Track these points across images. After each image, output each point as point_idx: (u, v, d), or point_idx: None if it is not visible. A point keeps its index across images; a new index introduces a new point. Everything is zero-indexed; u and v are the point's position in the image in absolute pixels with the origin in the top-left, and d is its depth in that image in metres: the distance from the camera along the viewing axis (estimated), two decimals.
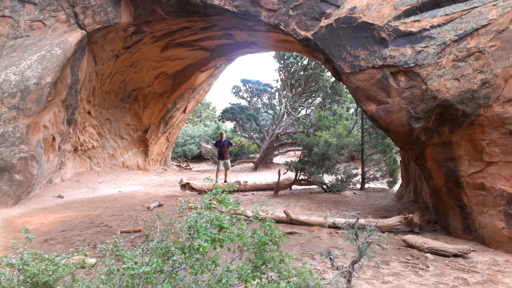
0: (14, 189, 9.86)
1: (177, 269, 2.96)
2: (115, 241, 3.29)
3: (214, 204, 3.27)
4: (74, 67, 11.61)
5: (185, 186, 12.68)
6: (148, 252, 3.16)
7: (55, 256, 3.11)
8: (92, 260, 3.83)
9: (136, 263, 2.82)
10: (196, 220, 2.93)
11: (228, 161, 14.81)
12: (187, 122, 33.41)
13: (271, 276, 3.29)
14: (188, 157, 27.75)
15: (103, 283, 2.95)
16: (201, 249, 2.76)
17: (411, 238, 6.92)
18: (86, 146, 15.15)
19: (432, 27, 6.98)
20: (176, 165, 23.60)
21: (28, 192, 10.59)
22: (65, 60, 10.88)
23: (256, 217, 3.60)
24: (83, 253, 3.26)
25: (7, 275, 2.94)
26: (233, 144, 15.42)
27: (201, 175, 19.08)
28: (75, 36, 11.33)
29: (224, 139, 14.89)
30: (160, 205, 10.42)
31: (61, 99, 11.30)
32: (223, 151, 14.64)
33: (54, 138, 11.52)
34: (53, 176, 12.54)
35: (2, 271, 2.93)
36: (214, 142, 15.78)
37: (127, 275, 2.77)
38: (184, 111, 21.04)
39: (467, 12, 6.76)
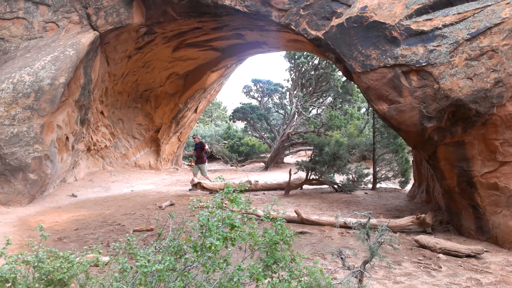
0: (28, 188, 10.01)
1: (189, 267, 2.99)
2: (128, 239, 3.34)
3: (225, 203, 3.29)
4: (87, 67, 11.75)
5: (196, 185, 12.77)
6: (160, 250, 3.19)
7: (70, 254, 3.16)
8: (105, 259, 3.88)
9: (149, 261, 2.85)
10: (208, 218, 2.96)
11: (203, 165, 13.82)
12: (198, 122, 33.56)
13: (282, 275, 3.30)
14: None
15: (117, 280, 2.98)
16: (213, 248, 2.78)
17: (424, 238, 6.87)
18: (99, 145, 15.31)
19: (445, 26, 6.93)
20: (188, 165, 23.70)
21: (42, 191, 10.74)
22: (78, 61, 11.02)
23: (268, 216, 3.62)
24: (97, 251, 3.31)
25: (23, 272, 2.99)
26: (206, 148, 14.21)
27: (212, 174, 19.14)
28: (88, 37, 11.47)
29: (197, 142, 14.05)
30: (172, 204, 10.50)
31: (74, 99, 11.45)
32: (197, 155, 13.97)
33: (67, 138, 11.67)
34: (66, 176, 12.69)
35: (18, 268, 2.99)
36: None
37: (140, 272, 2.80)
38: (195, 111, 21.13)
39: (480, 11, 6.70)
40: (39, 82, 10.32)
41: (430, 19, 7.11)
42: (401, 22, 7.34)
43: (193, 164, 24.08)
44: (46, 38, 11.71)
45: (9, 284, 2.86)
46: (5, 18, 11.72)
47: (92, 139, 14.66)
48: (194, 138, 14.26)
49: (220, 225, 2.98)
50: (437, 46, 6.91)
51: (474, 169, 6.95)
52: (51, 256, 3.13)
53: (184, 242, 3.08)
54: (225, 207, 3.26)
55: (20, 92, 10.18)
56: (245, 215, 3.37)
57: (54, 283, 2.97)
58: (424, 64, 6.98)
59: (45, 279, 2.99)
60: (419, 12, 7.25)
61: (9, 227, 7.94)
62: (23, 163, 9.90)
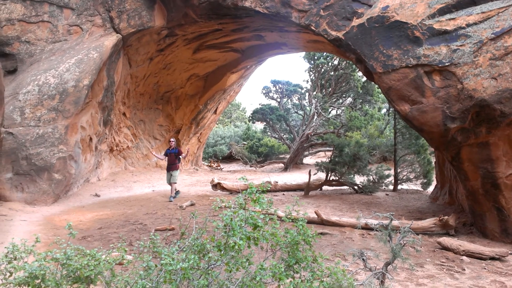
0: (53, 188, 10.24)
1: (212, 265, 3.03)
2: (152, 238, 3.40)
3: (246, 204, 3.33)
4: (110, 70, 11.97)
5: (216, 186, 12.86)
6: (184, 249, 3.24)
7: (96, 252, 3.24)
8: (129, 257, 3.96)
9: (173, 259, 2.90)
10: (231, 218, 2.99)
11: (175, 172, 11.96)
12: (217, 123, 33.77)
13: (304, 276, 3.31)
14: (219, 157, 28.06)
15: (142, 278, 3.04)
16: (236, 247, 2.82)
17: (447, 240, 6.78)
18: (121, 146, 15.56)
19: (468, 25, 6.82)
20: (207, 165, 23.88)
21: (67, 191, 10.97)
22: (102, 63, 11.22)
23: (289, 217, 3.64)
24: (123, 249, 3.38)
25: (52, 269, 3.08)
26: (183, 154, 12.50)
27: (232, 175, 19.24)
28: (111, 39, 11.68)
29: (172, 147, 12.23)
30: (192, 204, 10.59)
31: (97, 101, 11.67)
32: (170, 161, 12.07)
33: (91, 139, 11.90)
34: (90, 176, 12.94)
35: (47, 265, 3.07)
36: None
37: (165, 271, 2.85)
38: (215, 112, 21.29)
39: (505, 10, 6.58)
40: (63, 84, 10.56)
41: (453, 19, 7.01)
42: (424, 22, 7.27)
43: (212, 164, 24.32)
44: (70, 41, 11.97)
45: (39, 280, 2.95)
46: (31, 22, 12.03)
47: (114, 140, 14.92)
48: (171, 142, 12.49)
49: (243, 225, 3.01)
50: (461, 45, 6.81)
51: (498, 171, 6.82)
52: (78, 254, 3.21)
53: (207, 241, 3.12)
54: (246, 207, 3.29)
55: (45, 94, 10.43)
56: (266, 215, 3.40)
57: (81, 280, 3.05)
58: (447, 64, 6.89)
59: (73, 276, 3.07)
60: (442, 11, 7.16)
61: (35, 225, 8.14)
62: (48, 163, 10.14)
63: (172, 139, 12.62)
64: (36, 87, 10.49)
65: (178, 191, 12.22)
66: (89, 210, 9.90)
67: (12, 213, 8.95)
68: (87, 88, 10.80)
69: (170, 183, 11.90)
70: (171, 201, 11.28)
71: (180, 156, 12.23)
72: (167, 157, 12.19)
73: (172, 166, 11.99)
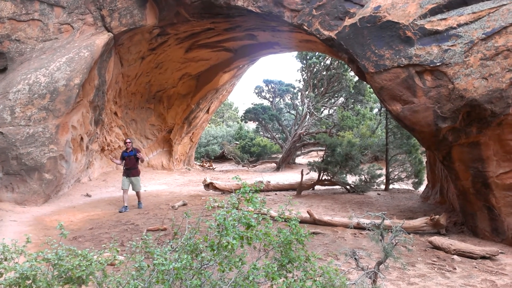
0: (43, 188, 10.15)
1: (205, 265, 3.02)
2: (144, 238, 3.38)
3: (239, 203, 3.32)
4: (101, 69, 11.88)
5: (208, 185, 12.83)
6: (176, 249, 3.23)
7: (88, 252, 3.21)
8: (120, 258, 3.93)
9: (166, 259, 2.88)
10: (225, 218, 2.98)
11: (137, 179, 10.51)
12: (210, 122, 33.70)
13: (296, 275, 3.31)
14: (211, 157, 28.01)
15: (134, 278, 3.02)
16: (229, 247, 2.81)
17: (438, 239, 6.82)
18: (113, 146, 15.46)
19: (459, 25, 6.87)
20: (199, 165, 23.83)
21: (57, 191, 10.88)
22: (93, 62, 11.14)
23: (281, 216, 3.64)
24: (115, 250, 3.35)
25: (43, 270, 3.05)
26: (141, 156, 10.77)
27: (224, 175, 19.21)
28: (102, 38, 11.59)
29: (130, 149, 10.56)
30: (184, 204, 10.56)
31: (88, 100, 11.58)
32: (128, 165, 10.46)
33: (82, 138, 11.80)
34: (81, 175, 12.84)
35: (38, 265, 3.04)
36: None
37: (157, 271, 2.84)
38: (207, 111, 21.23)
39: (495, 10, 6.63)
40: (54, 83, 10.46)
41: (444, 19, 7.06)
42: (415, 22, 7.30)
43: (205, 164, 24.25)
44: (61, 40, 11.86)
45: (30, 281, 2.92)
46: (21, 20, 11.89)
47: (106, 139, 14.82)
48: (127, 143, 10.68)
49: (236, 224, 3.00)
50: (452, 45, 6.86)
51: (489, 170, 6.88)
52: (70, 254, 3.18)
53: (200, 241, 3.11)
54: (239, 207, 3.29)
55: (35, 93, 10.33)
56: (259, 214, 3.39)
57: (73, 280, 3.02)
58: (438, 64, 6.93)
59: (64, 276, 3.04)
60: (433, 11, 7.20)
61: (25, 226, 8.06)
62: (39, 163, 10.04)
63: (128, 140, 10.81)
64: (26, 86, 10.39)
65: (140, 201, 10.63)
66: (80, 211, 9.82)
67: (2, 213, 8.86)
68: (78, 87, 10.71)
69: (124, 189, 10.28)
70: (121, 212, 9.80)
71: (139, 158, 10.58)
72: (124, 161, 10.51)
73: (132, 171, 10.42)
